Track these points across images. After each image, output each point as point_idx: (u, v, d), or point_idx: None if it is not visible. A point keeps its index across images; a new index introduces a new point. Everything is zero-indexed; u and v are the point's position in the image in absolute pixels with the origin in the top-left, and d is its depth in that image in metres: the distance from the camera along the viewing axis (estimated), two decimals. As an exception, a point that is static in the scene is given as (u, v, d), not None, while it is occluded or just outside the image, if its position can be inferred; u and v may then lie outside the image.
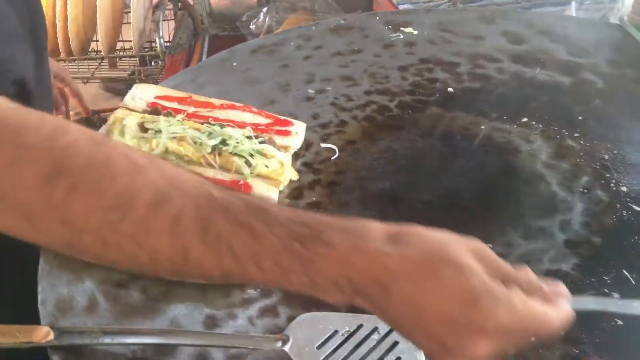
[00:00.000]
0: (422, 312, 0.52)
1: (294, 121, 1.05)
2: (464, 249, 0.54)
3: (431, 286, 0.52)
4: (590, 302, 0.65)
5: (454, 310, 0.51)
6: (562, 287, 0.58)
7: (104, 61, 2.15)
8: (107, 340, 0.67)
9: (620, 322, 0.72)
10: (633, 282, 0.78)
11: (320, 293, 0.54)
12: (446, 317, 0.52)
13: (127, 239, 0.53)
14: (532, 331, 0.54)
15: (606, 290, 0.76)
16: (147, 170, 0.55)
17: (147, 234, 0.53)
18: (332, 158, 1.01)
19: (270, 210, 0.55)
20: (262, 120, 1.04)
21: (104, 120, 1.03)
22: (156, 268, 0.56)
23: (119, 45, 2.17)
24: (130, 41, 2.08)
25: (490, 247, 0.80)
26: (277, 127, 1.03)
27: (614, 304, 0.68)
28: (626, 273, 0.79)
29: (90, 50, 2.13)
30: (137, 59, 2.09)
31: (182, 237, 0.53)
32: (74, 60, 2.06)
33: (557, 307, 0.56)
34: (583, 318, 0.72)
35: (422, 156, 1.01)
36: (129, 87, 1.09)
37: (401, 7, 1.79)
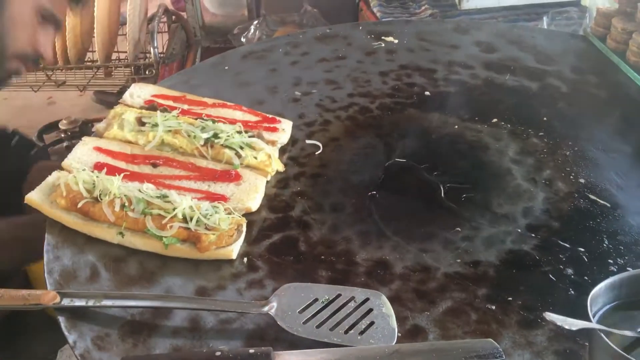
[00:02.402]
0: None
1: (282, 119, 1.13)
2: None
3: None
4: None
5: None
6: None
7: (99, 70, 2.22)
8: (108, 303, 0.74)
9: (572, 292, 0.80)
10: (586, 260, 0.86)
11: None
12: None
13: None
14: None
15: (561, 267, 0.84)
16: None
17: None
18: (316, 153, 1.09)
19: None
20: (251, 117, 1.12)
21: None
22: None
23: (114, 55, 2.25)
24: (125, 52, 2.16)
25: (458, 230, 0.91)
26: (265, 124, 1.11)
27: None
28: (580, 252, 0.87)
29: (86, 60, 2.20)
30: (132, 68, 2.17)
31: None
32: (71, 68, 2.13)
33: None
34: (537, 287, 0.81)
35: (399, 152, 1.09)
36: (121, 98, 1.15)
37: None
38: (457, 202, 0.97)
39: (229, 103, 1.15)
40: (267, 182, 1.00)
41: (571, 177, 1.01)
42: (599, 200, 0.96)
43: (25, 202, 0.90)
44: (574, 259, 0.86)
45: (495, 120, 1.16)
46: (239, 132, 1.04)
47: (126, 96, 1.14)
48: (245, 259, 0.86)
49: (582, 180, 1.00)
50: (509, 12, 1.80)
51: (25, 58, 1.36)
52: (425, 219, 0.95)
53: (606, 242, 0.88)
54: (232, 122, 1.08)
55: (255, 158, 1.01)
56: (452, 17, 1.85)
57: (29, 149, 1.45)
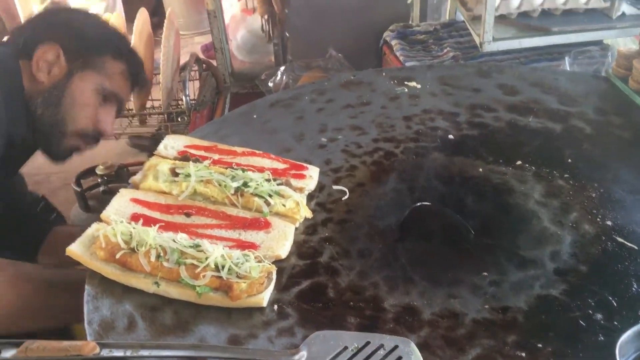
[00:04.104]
0: None
1: (309, 166, 1.17)
2: None
3: None
4: None
5: None
6: None
7: (134, 118, 2.31)
8: (145, 353, 0.76)
9: (602, 338, 0.80)
10: (615, 305, 0.85)
11: None
12: None
13: None
14: None
15: (590, 312, 0.84)
16: None
17: None
18: (343, 199, 1.11)
19: None
20: (279, 165, 1.16)
21: (132, 173, 1.13)
22: None
23: (149, 104, 2.33)
24: (159, 100, 2.24)
25: (485, 275, 0.91)
26: (293, 171, 1.14)
27: None
28: (609, 297, 0.87)
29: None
30: (165, 115, 2.25)
31: None
32: (107, 117, 2.22)
33: None
34: (567, 333, 0.81)
35: (424, 196, 1.11)
36: (155, 143, 1.20)
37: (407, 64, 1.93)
38: (483, 246, 0.98)
39: (257, 151, 1.19)
40: (296, 228, 1.03)
41: (598, 219, 1.02)
42: (626, 242, 0.96)
43: (66, 254, 0.94)
44: (603, 304, 0.86)
45: (519, 162, 1.17)
46: (268, 180, 1.08)
47: (160, 148, 1.19)
48: (275, 307, 0.88)
49: (609, 223, 1.00)
50: (531, 52, 1.83)
51: (85, 135, 1.44)
52: (452, 263, 0.96)
53: (635, 286, 0.88)
54: (261, 170, 1.12)
55: (284, 205, 1.04)
56: (474, 58, 1.88)
57: (50, 214, 1.50)
